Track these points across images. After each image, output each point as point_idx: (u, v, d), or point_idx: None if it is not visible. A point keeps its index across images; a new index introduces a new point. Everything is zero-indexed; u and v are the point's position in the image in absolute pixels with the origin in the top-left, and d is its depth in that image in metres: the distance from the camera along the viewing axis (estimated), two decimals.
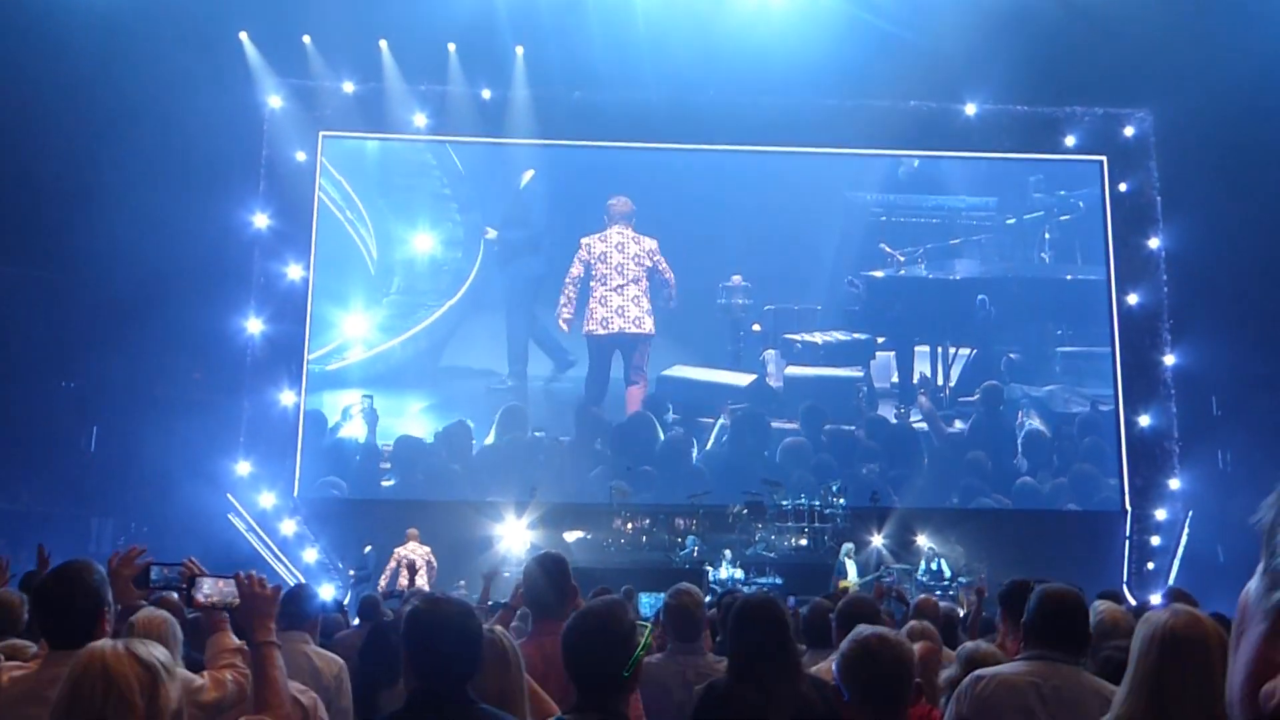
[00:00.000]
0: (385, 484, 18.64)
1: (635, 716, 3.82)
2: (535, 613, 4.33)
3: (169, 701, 2.38)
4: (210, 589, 3.35)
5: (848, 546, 16.13)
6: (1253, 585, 0.72)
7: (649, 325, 19.13)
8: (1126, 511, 18.92)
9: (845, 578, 15.31)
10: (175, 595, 4.38)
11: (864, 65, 17.42)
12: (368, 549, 16.37)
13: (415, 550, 14.92)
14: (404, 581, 14.23)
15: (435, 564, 14.96)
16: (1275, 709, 0.67)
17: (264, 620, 3.25)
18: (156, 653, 2.43)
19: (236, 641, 3.52)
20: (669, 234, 19.36)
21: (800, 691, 3.58)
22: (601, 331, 19.04)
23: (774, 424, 19.11)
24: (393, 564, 14.89)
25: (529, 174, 19.63)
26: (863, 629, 2.96)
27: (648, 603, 10.66)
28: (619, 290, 19.14)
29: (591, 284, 19.18)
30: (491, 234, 19.53)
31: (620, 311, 19.07)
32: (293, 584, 6.72)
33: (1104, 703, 3.38)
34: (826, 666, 4.36)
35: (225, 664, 3.47)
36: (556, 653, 3.93)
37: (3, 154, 15.77)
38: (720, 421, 19.01)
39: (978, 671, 3.73)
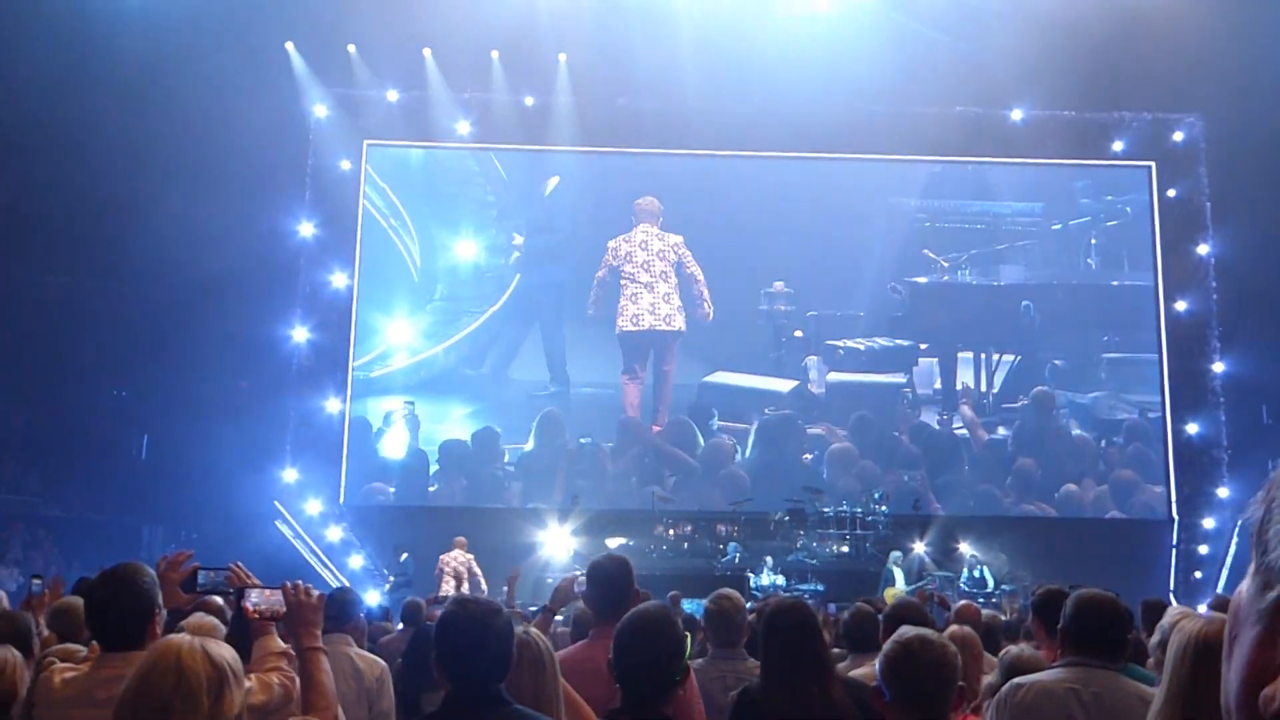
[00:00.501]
0: (431, 489, 18.75)
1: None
2: (598, 617, 4.26)
3: (233, 706, 2.41)
4: (258, 598, 3.46)
5: (895, 555, 16.04)
6: (1245, 586, 0.72)
7: (679, 322, 19.13)
8: (1173, 520, 18.69)
9: (893, 585, 15.22)
10: (220, 599, 4.44)
11: (909, 71, 17.38)
12: (404, 556, 16.46)
13: (457, 559, 14.99)
14: (448, 588, 14.29)
15: (479, 573, 15.00)
16: (1275, 713, 0.66)
17: (310, 628, 3.33)
18: (227, 655, 2.46)
19: (282, 645, 3.56)
20: (710, 240, 19.36)
21: (832, 695, 3.58)
22: (632, 328, 19.08)
23: (815, 430, 19.05)
24: (438, 570, 14.97)
25: (554, 181, 19.71)
26: (906, 630, 2.96)
27: (689, 609, 10.66)
28: (649, 287, 19.16)
29: (622, 282, 19.23)
30: (519, 240, 19.63)
31: (652, 309, 19.09)
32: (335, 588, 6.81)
33: (1145, 706, 3.36)
34: (868, 671, 4.36)
35: (271, 667, 3.51)
36: None
37: (54, 164, 16.05)
38: (754, 427, 18.98)
39: (1016, 679, 3.71)
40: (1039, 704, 3.55)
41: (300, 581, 3.48)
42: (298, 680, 3.50)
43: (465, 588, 14.42)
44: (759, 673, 3.93)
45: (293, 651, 3.58)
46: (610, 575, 4.22)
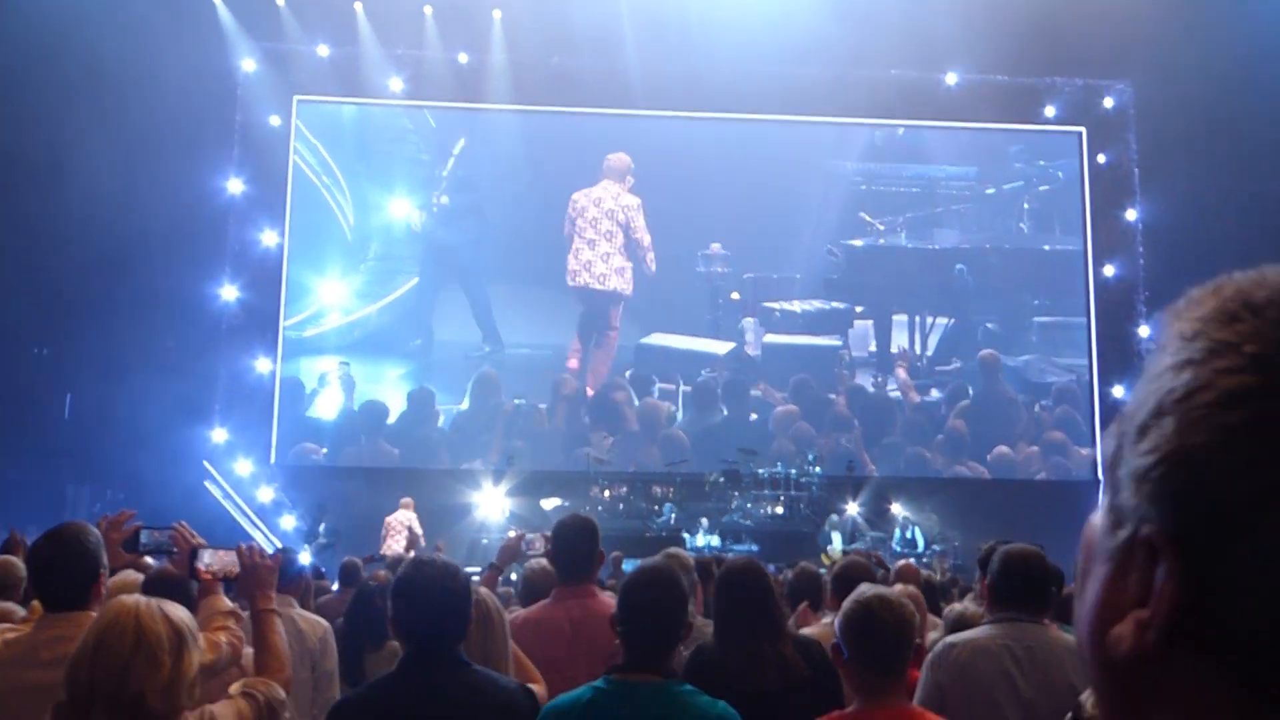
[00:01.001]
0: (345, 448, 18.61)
1: None
2: (563, 577, 4.27)
3: (192, 665, 2.40)
4: (211, 559, 3.49)
5: (833, 518, 16.25)
6: (1096, 520, 0.72)
7: (615, 283, 19.05)
8: (1099, 482, 19.02)
9: (830, 546, 15.41)
10: (161, 559, 4.37)
11: (846, 33, 17.36)
12: (322, 524, 16.34)
13: (400, 518, 14.90)
14: (396, 547, 14.23)
15: (418, 531, 14.90)
16: (1125, 653, 0.66)
17: (265, 589, 3.39)
18: (184, 616, 2.45)
19: (229, 604, 3.58)
20: (647, 201, 19.27)
21: (785, 652, 3.60)
22: (571, 284, 19.03)
23: (754, 392, 19.15)
24: (384, 530, 14.88)
25: (461, 142, 19.49)
26: (865, 589, 2.97)
27: (629, 569, 10.69)
28: (591, 244, 19.09)
29: (574, 237, 19.13)
30: (444, 200, 19.42)
31: (588, 266, 19.02)
32: (272, 550, 6.73)
33: (1075, 658, 3.42)
34: (820, 629, 4.39)
35: (219, 626, 3.49)
36: (586, 617, 4.00)
37: None
38: (684, 389, 19.05)
39: (949, 638, 3.76)
40: (973, 661, 3.60)
41: (254, 544, 3.52)
42: (244, 640, 3.47)
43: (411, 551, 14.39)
44: (710, 631, 3.95)
45: (240, 611, 3.57)
46: (576, 536, 4.25)
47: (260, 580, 3.38)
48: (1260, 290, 0.67)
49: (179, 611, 2.45)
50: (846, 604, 2.94)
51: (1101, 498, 0.73)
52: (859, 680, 2.89)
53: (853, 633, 2.87)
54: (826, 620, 4.66)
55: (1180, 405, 0.65)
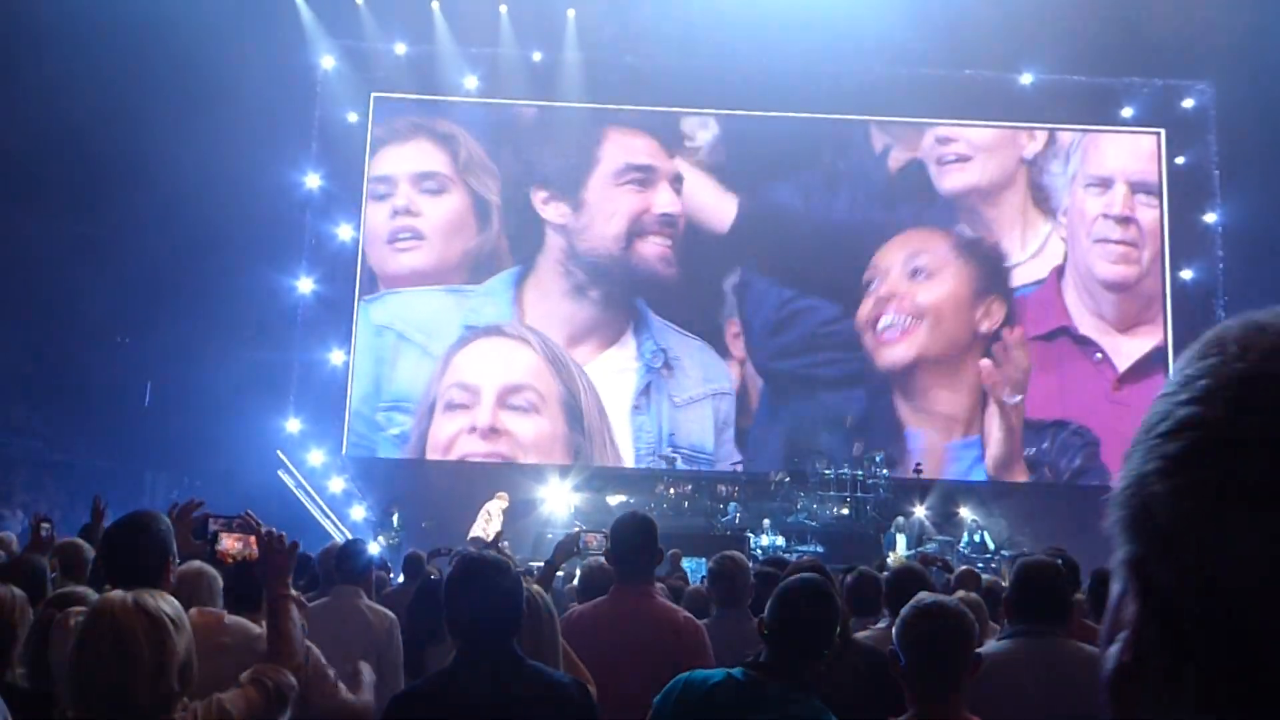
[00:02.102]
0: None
1: None
2: (621, 575, 4.22)
3: (175, 655, 2.45)
4: (229, 544, 3.53)
5: (899, 520, 16.14)
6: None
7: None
8: None
9: (895, 549, 15.31)
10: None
11: (918, 33, 17.21)
12: (395, 515, 16.50)
13: (490, 506, 15.10)
14: (478, 531, 14.49)
15: (494, 525, 15.01)
16: (1109, 673, 0.71)
17: (280, 574, 3.36)
18: (165, 606, 2.49)
19: (293, 593, 3.61)
20: (718, 197, 19.29)
21: (848, 659, 3.61)
22: None
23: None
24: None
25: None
26: (924, 596, 2.97)
27: (689, 567, 10.72)
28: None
29: None
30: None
31: None
32: (343, 540, 6.85)
33: (1092, 666, 3.38)
34: (873, 635, 4.40)
35: (271, 671, 3.54)
36: (640, 616, 3.99)
37: (61, 113, 15.96)
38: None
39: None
40: (990, 674, 3.58)
41: (273, 529, 3.51)
42: (305, 640, 3.53)
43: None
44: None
45: (295, 595, 3.63)
46: (633, 534, 4.21)
47: (275, 564, 3.37)
48: (1233, 329, 0.71)
49: (159, 602, 2.49)
50: (905, 611, 2.93)
51: None
52: (915, 689, 2.89)
53: (910, 640, 2.86)
54: (881, 625, 4.66)
55: (1144, 435, 0.71)
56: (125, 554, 3.30)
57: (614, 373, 18.23)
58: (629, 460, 18.23)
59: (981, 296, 18.87)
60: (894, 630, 2.96)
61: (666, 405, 18.29)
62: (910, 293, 18.71)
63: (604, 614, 4.13)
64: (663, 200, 18.84)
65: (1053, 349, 19.05)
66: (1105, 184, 19.43)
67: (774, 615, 2.98)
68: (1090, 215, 19.34)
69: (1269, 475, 0.64)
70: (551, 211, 18.81)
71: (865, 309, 18.80)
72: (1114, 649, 0.72)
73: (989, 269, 19.17)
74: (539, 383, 18.07)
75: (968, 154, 19.17)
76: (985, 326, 18.86)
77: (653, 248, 18.53)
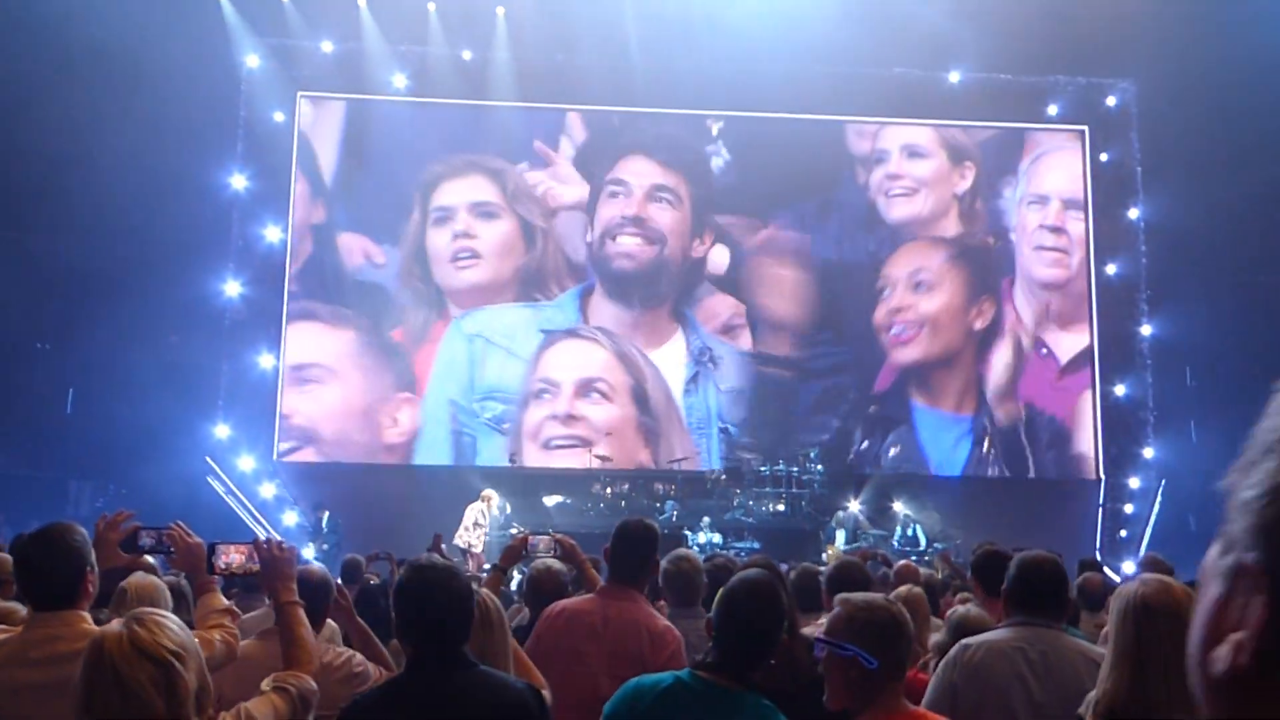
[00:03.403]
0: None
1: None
2: (615, 576, 4.27)
3: (188, 689, 2.36)
4: (229, 557, 3.50)
5: (839, 515, 16.29)
6: (1212, 549, 0.76)
7: None
8: (1100, 479, 19.11)
9: (833, 543, 15.44)
10: (153, 559, 4.40)
11: (849, 32, 17.32)
12: (325, 515, 16.35)
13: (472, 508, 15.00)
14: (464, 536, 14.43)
15: (478, 522, 14.89)
16: (1223, 673, 0.70)
17: (286, 582, 3.37)
18: (165, 638, 2.37)
19: (225, 602, 3.60)
20: (650, 195, 19.35)
21: (794, 653, 3.62)
22: None
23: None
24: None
25: None
26: (854, 596, 2.98)
27: None
28: None
29: None
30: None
31: None
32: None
33: (1089, 664, 3.48)
34: (813, 631, 4.40)
35: (214, 624, 3.51)
36: (620, 619, 4.01)
37: None
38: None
39: (966, 640, 3.76)
40: (988, 662, 3.61)
41: (272, 537, 3.52)
42: (239, 637, 3.50)
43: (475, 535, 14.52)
44: None
45: (236, 609, 3.59)
46: (637, 540, 4.27)
47: (280, 573, 3.37)
48: None
49: (158, 636, 2.37)
50: (877, 616, 2.93)
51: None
52: (883, 687, 2.89)
53: (887, 642, 2.86)
54: (823, 621, 4.65)
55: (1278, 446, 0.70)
56: (38, 569, 3.21)
57: (669, 365, 19.02)
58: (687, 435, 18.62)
59: (974, 299, 19.65)
60: (867, 635, 2.95)
61: (713, 390, 18.93)
62: (915, 303, 19.53)
63: (585, 608, 4.19)
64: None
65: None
66: (1043, 200, 20.07)
67: (720, 615, 2.98)
68: (1030, 228, 20.00)
69: None
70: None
71: (879, 314, 19.45)
72: (1224, 650, 0.71)
73: (980, 272, 19.76)
74: (610, 375, 18.70)
75: (914, 187, 19.91)
76: (979, 325, 19.60)
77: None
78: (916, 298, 19.54)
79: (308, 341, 18.79)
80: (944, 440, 19.23)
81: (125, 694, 2.29)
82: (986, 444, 19.15)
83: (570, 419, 18.28)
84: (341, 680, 4.16)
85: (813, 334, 19.34)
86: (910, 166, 19.98)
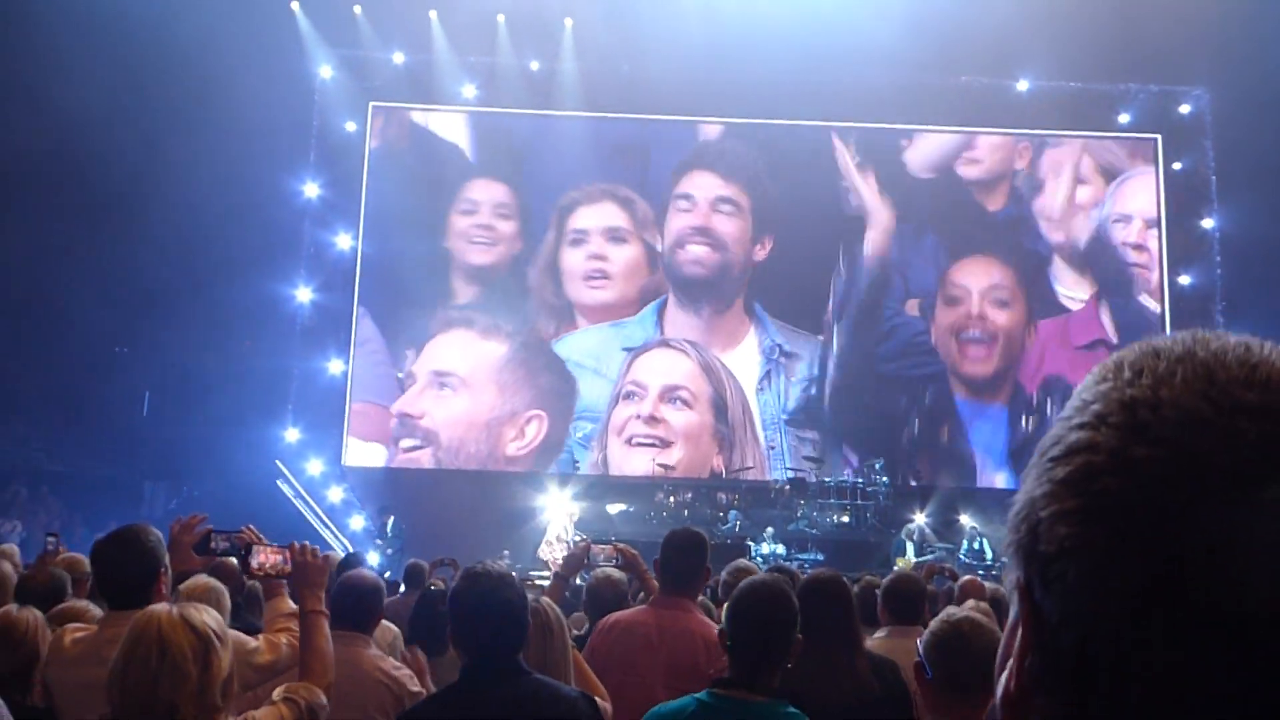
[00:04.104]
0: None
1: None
2: (667, 587, 4.24)
3: (221, 669, 2.45)
4: (264, 557, 3.49)
5: (908, 527, 16.15)
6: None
7: None
8: None
9: (904, 556, 15.29)
10: (235, 561, 4.46)
11: (916, 40, 17.19)
12: (390, 520, 16.48)
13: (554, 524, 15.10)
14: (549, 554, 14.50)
15: (562, 538, 14.95)
16: (1000, 698, 0.70)
17: (314, 589, 3.35)
18: (209, 619, 2.48)
19: (293, 606, 3.60)
20: (717, 201, 19.40)
21: (859, 668, 3.60)
22: None
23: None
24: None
25: None
26: (954, 611, 2.95)
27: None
28: None
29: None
30: None
31: None
32: (342, 551, 6.83)
33: None
34: (874, 644, 4.39)
35: (281, 628, 3.55)
36: (675, 629, 4.00)
37: (58, 123, 15.96)
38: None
39: None
40: None
41: (307, 542, 3.50)
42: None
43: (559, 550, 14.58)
44: None
45: (327, 611, 3.61)
46: (684, 549, 4.23)
47: (310, 580, 3.35)
48: (1130, 354, 0.69)
49: (204, 616, 2.49)
50: (935, 623, 2.89)
51: None
52: (940, 701, 2.86)
53: (940, 654, 2.82)
54: (880, 635, 4.63)
55: (1037, 459, 0.69)
56: (114, 568, 3.28)
57: (743, 365, 19.31)
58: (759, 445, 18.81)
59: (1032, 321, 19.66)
60: (922, 641, 2.94)
61: (783, 384, 19.21)
62: (991, 315, 19.54)
63: (639, 620, 4.16)
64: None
65: (1092, 356, 19.25)
66: (1126, 219, 19.81)
67: (731, 625, 2.96)
68: (1116, 244, 19.83)
69: (1150, 504, 0.62)
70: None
71: (946, 318, 19.45)
72: (1003, 676, 0.71)
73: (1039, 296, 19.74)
74: (692, 384, 18.97)
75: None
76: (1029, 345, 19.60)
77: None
78: (993, 310, 19.52)
79: (449, 348, 19.10)
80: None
81: (164, 654, 2.37)
82: None
83: (653, 420, 18.69)
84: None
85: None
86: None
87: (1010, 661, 0.70)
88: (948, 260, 19.55)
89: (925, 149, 19.86)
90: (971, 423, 19.20)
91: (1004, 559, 0.73)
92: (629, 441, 18.62)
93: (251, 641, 3.46)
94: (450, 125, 19.81)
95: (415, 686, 4.05)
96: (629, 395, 18.87)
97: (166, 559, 3.42)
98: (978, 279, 19.60)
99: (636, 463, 18.31)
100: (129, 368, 18.46)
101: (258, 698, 3.12)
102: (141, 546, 3.32)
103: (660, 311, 19.35)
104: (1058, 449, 0.67)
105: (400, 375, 18.86)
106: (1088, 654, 0.63)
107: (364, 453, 18.70)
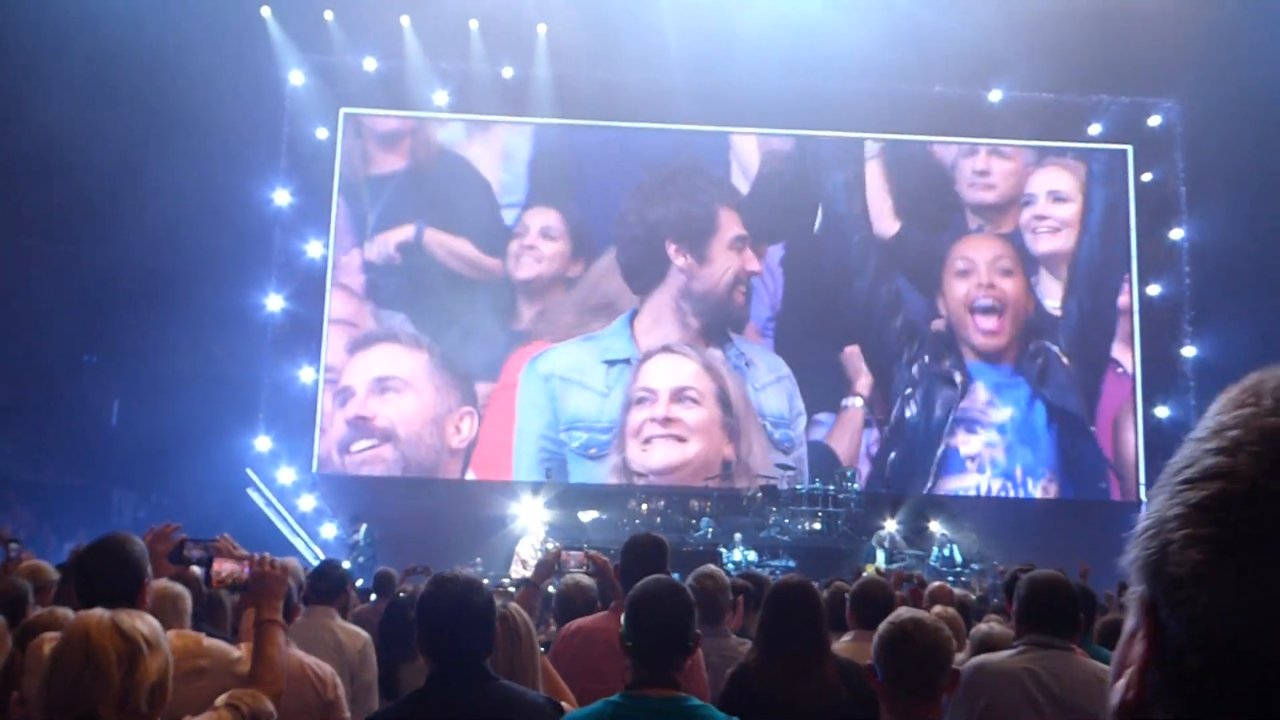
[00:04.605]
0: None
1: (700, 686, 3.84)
2: (628, 590, 4.26)
3: (148, 675, 2.42)
4: (220, 565, 3.51)
5: (879, 534, 16.21)
6: None
7: None
8: (1143, 502, 18.84)
9: (874, 563, 15.34)
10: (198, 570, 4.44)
11: (890, 50, 17.30)
12: (362, 527, 16.41)
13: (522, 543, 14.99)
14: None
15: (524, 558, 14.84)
16: (1119, 706, 0.71)
17: (271, 599, 3.35)
18: (141, 626, 2.46)
19: (282, 642, 3.58)
20: (688, 210, 19.40)
21: (827, 673, 3.62)
22: None
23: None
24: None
25: None
26: (902, 611, 2.99)
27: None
28: None
29: None
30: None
31: None
32: (316, 560, 6.80)
33: (1102, 685, 3.45)
34: (841, 647, 4.41)
35: (266, 676, 3.52)
36: None
37: (24, 129, 15.83)
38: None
39: (977, 660, 3.78)
40: (1000, 685, 3.61)
41: (267, 554, 3.50)
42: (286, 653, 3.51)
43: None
44: (744, 650, 3.95)
45: (283, 622, 3.60)
46: (646, 552, 4.29)
47: (269, 590, 3.35)
48: (1272, 380, 0.70)
49: (135, 622, 2.46)
50: (883, 626, 2.95)
51: None
52: (894, 703, 2.91)
53: (888, 655, 2.88)
54: (846, 639, 4.66)
55: (1170, 479, 0.70)
56: (99, 578, 3.26)
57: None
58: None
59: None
60: (873, 644, 2.97)
61: (751, 390, 19.47)
62: (1000, 284, 19.80)
63: (601, 626, 4.18)
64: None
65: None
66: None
67: (629, 627, 2.97)
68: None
69: None
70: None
71: (959, 291, 19.69)
72: (1120, 684, 0.72)
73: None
74: (699, 383, 19.16)
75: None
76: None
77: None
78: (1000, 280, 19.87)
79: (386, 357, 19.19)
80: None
81: (88, 659, 2.35)
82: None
83: (667, 420, 19.01)
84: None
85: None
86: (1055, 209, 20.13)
87: (1129, 670, 0.71)
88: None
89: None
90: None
91: (1131, 569, 0.73)
92: (646, 441, 18.90)
93: (235, 651, 3.45)
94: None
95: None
96: (641, 400, 19.04)
97: (150, 569, 3.40)
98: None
99: (658, 455, 18.72)
100: (98, 375, 18.30)
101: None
102: (126, 556, 3.30)
103: (630, 324, 19.40)
104: (1192, 470, 0.68)
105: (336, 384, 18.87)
106: (1214, 680, 0.64)
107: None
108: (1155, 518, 0.69)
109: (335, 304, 19.06)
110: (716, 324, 19.48)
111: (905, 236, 19.65)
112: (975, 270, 19.64)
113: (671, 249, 19.40)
